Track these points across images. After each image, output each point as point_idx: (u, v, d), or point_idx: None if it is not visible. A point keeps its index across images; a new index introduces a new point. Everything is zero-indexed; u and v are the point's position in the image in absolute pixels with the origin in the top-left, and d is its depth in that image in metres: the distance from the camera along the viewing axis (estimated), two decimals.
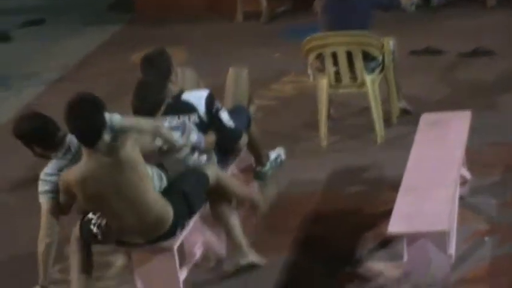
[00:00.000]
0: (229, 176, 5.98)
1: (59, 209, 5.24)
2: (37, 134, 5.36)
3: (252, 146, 6.73)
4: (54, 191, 5.25)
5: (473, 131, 6.67)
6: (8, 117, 8.94)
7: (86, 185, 4.90)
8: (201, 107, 6.01)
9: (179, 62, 8.38)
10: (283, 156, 7.20)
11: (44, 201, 5.31)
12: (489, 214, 6.20)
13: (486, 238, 5.86)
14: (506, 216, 6.19)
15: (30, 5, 12.94)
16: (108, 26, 11.91)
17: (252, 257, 5.71)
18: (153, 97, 5.77)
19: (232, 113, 6.28)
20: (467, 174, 6.55)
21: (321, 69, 7.62)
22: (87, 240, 5.24)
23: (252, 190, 6.41)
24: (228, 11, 11.46)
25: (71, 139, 5.36)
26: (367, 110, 7.54)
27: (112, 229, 5.14)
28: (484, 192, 6.53)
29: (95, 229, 5.17)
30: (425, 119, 6.85)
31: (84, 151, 4.91)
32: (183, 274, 5.70)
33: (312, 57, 7.68)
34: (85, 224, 5.24)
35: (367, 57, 7.46)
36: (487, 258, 5.64)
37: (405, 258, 5.33)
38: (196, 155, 5.99)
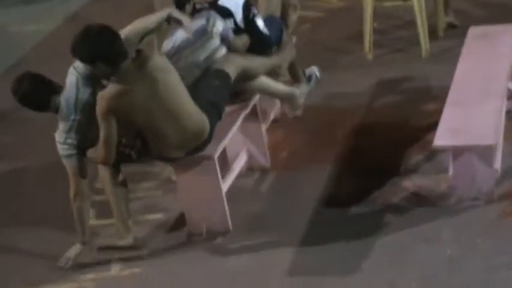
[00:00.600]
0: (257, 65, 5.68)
1: (83, 167, 5.10)
2: (30, 99, 5.18)
3: (290, 65, 6.46)
4: (75, 152, 5.11)
5: None
6: (58, 24, 9.27)
7: (124, 105, 4.75)
8: (238, 13, 5.77)
9: None
10: (317, 74, 6.85)
11: (68, 164, 5.16)
12: None
13: None
14: None
15: None
16: None
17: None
18: None
19: (265, 22, 6.05)
20: None
21: None
22: (118, 160, 5.09)
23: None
24: None
25: (67, 99, 5.14)
26: (412, 23, 7.32)
27: (150, 147, 5.04)
28: None
29: (126, 150, 5.08)
30: (473, 32, 6.63)
31: (114, 77, 4.76)
32: (226, 184, 5.56)
33: None
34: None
35: None
36: None
37: (450, 172, 5.24)
38: (224, 49, 5.73)
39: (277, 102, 6.71)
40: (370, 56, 7.39)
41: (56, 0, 9.99)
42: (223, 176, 5.57)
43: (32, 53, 8.52)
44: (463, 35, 6.56)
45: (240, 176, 5.87)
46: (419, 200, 5.35)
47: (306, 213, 5.39)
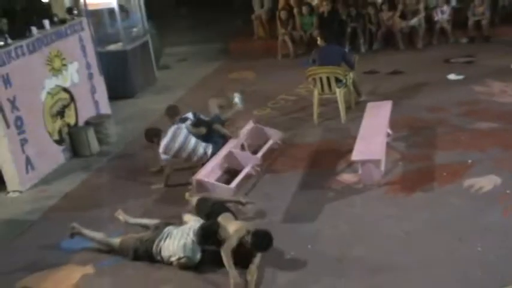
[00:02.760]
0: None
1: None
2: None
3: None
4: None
5: (394, 109, 7.96)
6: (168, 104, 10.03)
7: None
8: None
9: (251, 79, 10.18)
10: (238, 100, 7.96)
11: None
12: (400, 150, 7.35)
13: (400, 162, 7.04)
14: (409, 151, 7.28)
15: (179, 51, 14.03)
16: (216, 61, 13.06)
17: None
18: None
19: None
20: (390, 131, 7.68)
21: (315, 84, 8.63)
22: None
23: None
24: (274, 53, 12.65)
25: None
26: (337, 105, 8.55)
27: None
28: (398, 140, 7.65)
29: None
30: (370, 105, 8.13)
31: None
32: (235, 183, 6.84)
33: (310, 78, 8.72)
34: None
35: (338, 79, 8.52)
36: (400, 172, 6.81)
37: (360, 172, 6.65)
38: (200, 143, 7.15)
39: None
40: (317, 122, 8.57)
41: (170, 91, 11.08)
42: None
43: (157, 119, 9.09)
44: (364, 107, 8.05)
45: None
46: (346, 185, 6.64)
47: (290, 192, 6.64)
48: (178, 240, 5.52)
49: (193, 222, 5.70)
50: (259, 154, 7.39)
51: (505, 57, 10.68)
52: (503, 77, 9.62)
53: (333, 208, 6.26)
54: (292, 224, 6.09)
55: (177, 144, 7.03)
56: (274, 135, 7.89)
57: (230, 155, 7.28)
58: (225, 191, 6.65)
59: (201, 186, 6.70)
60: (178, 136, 7.07)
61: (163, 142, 7.04)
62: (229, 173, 7.20)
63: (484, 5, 12.02)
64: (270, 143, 7.73)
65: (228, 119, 7.82)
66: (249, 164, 7.19)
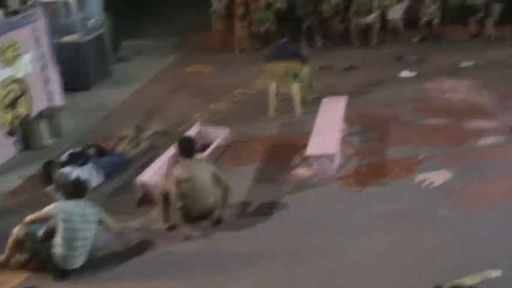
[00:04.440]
0: None
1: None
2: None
3: None
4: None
5: (349, 105, 8.03)
6: (126, 97, 10.17)
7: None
8: None
9: (208, 73, 10.24)
10: None
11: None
12: (354, 145, 7.42)
13: (354, 157, 7.10)
14: (363, 146, 7.37)
15: (137, 44, 13.83)
16: (174, 55, 12.94)
17: None
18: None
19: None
20: (344, 126, 7.71)
21: (272, 78, 8.70)
22: None
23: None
24: (232, 47, 12.64)
25: None
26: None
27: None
28: (353, 135, 7.74)
29: None
30: (325, 100, 8.20)
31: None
32: None
33: (267, 72, 8.83)
34: None
35: (294, 74, 8.57)
36: (354, 166, 6.88)
37: (314, 166, 6.72)
38: None
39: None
40: (273, 115, 8.63)
41: (126, 84, 10.95)
42: None
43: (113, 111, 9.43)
44: (319, 102, 8.13)
45: None
46: (301, 179, 6.65)
47: (245, 186, 6.60)
48: None
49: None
50: (207, 152, 7.27)
51: (454, 55, 10.85)
52: (454, 74, 9.77)
53: (287, 202, 6.26)
54: (247, 217, 6.05)
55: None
56: (222, 133, 7.81)
57: (176, 156, 7.00)
58: None
59: (146, 188, 6.45)
60: None
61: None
62: None
63: (435, 5, 12.15)
64: (217, 141, 7.61)
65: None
66: None
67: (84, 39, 10.85)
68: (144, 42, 14.21)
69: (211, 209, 5.79)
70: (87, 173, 6.72)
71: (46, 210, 5.28)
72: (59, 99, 9.29)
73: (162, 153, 7.23)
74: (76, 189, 5.35)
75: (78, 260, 5.21)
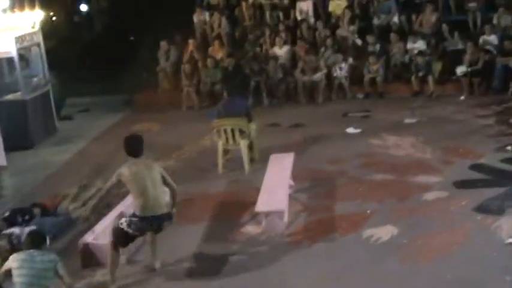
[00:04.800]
0: None
1: None
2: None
3: None
4: None
5: (296, 161, 8.13)
6: (70, 156, 10.15)
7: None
8: None
9: (156, 130, 10.28)
10: None
11: None
12: (302, 201, 7.49)
13: (302, 213, 7.14)
14: (311, 202, 7.44)
15: (83, 102, 13.87)
16: (120, 113, 13.13)
17: None
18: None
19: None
20: (292, 183, 7.79)
21: (219, 136, 8.71)
22: None
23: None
24: (179, 105, 12.77)
25: None
26: (241, 157, 8.66)
27: None
28: (300, 191, 7.79)
29: None
30: (272, 157, 8.28)
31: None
32: None
33: (215, 130, 8.80)
34: None
35: (241, 131, 8.64)
36: (302, 222, 6.92)
37: (263, 223, 6.71)
38: None
39: None
40: (221, 171, 8.64)
41: (71, 142, 10.99)
42: None
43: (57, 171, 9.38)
44: (267, 158, 8.20)
45: None
46: (250, 237, 6.64)
47: (193, 245, 6.55)
48: None
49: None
50: None
51: (398, 112, 11.19)
52: (397, 131, 10.04)
53: (237, 261, 6.23)
54: (197, 277, 6.00)
55: None
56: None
57: (121, 216, 6.86)
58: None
59: (88, 250, 6.32)
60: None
61: None
62: None
63: (377, 64, 12.61)
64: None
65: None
66: None
67: (28, 97, 10.78)
68: (90, 100, 14.16)
69: (165, 206, 5.77)
70: None
71: (6, 263, 5.25)
72: (0, 158, 9.14)
73: (107, 212, 7.09)
74: (32, 241, 5.30)
75: None
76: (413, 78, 12.37)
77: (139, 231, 5.83)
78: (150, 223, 5.79)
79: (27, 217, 6.86)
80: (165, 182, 5.88)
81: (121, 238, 5.78)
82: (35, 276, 5.09)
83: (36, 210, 7.10)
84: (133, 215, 5.77)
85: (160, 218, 5.79)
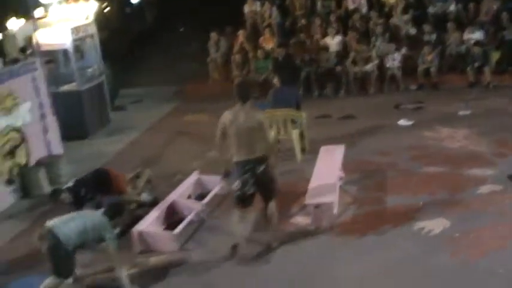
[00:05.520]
0: None
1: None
2: None
3: None
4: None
5: (347, 154, 8.15)
6: (123, 147, 10.39)
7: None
8: None
9: (206, 121, 10.39)
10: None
11: None
12: (352, 193, 7.53)
13: (351, 206, 7.18)
14: (361, 194, 7.48)
15: (135, 92, 14.08)
16: (172, 104, 13.24)
17: None
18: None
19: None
20: (343, 174, 7.83)
21: (271, 126, 8.35)
22: None
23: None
24: (229, 96, 12.20)
25: None
26: (290, 147, 8.77)
27: None
28: (350, 183, 7.82)
29: None
30: (323, 148, 8.30)
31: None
32: None
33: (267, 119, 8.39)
34: None
35: (293, 121, 8.75)
36: (352, 215, 7.00)
37: (312, 214, 6.77)
38: None
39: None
40: None
41: (124, 133, 11.17)
42: None
43: (110, 160, 9.55)
44: (318, 149, 8.21)
45: None
46: (299, 228, 6.77)
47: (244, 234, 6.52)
48: None
49: None
50: (205, 201, 7.41)
51: (452, 103, 11.06)
52: (451, 122, 9.97)
53: (285, 251, 6.33)
54: (246, 266, 6.14)
55: None
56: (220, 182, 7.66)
57: (173, 205, 7.25)
58: (168, 239, 6.60)
59: (143, 238, 6.61)
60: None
61: None
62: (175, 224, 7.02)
63: (432, 54, 12.46)
64: (216, 189, 7.72)
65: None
66: (194, 211, 7.18)
67: (83, 87, 11.11)
68: (142, 90, 14.44)
69: (258, 152, 6.06)
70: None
71: None
72: (57, 148, 9.48)
73: (159, 202, 7.35)
74: (109, 210, 6.09)
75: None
76: (469, 68, 12.20)
77: (241, 179, 6.16)
78: (244, 167, 6.11)
79: (89, 196, 7.13)
80: (263, 133, 6.12)
81: (239, 199, 6.24)
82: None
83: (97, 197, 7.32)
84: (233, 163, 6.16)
85: (253, 161, 6.08)
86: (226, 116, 6.14)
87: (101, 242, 5.72)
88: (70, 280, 5.62)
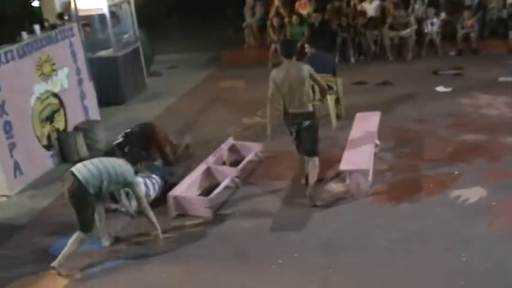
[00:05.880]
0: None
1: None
2: None
3: None
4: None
5: (382, 120, 8.10)
6: (160, 112, 10.44)
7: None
8: None
9: (242, 88, 10.41)
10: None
11: None
12: (388, 161, 7.48)
13: (387, 173, 7.16)
14: (396, 162, 7.43)
15: (171, 59, 14.19)
16: (207, 70, 13.28)
17: None
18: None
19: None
20: (378, 142, 7.81)
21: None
22: None
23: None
24: (265, 62, 12.56)
25: None
26: (327, 114, 8.69)
27: None
28: (385, 150, 7.78)
29: None
30: (358, 115, 8.29)
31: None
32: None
33: None
34: None
35: (329, 86, 8.55)
36: (387, 182, 6.93)
37: (347, 181, 6.77)
38: None
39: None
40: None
41: (160, 98, 11.29)
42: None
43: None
44: (354, 117, 8.20)
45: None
46: (334, 194, 6.72)
47: (277, 201, 6.70)
48: None
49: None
50: (239, 167, 7.44)
51: (492, 70, 10.84)
52: (490, 90, 9.77)
53: (320, 217, 6.35)
54: (279, 232, 6.17)
55: None
56: (255, 148, 7.92)
57: (208, 171, 7.30)
58: (202, 204, 6.66)
59: (178, 202, 6.68)
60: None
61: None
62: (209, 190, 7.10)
63: (473, 18, 12.20)
64: (250, 155, 7.77)
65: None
66: (228, 177, 7.22)
67: (119, 53, 11.18)
68: (178, 57, 14.47)
69: (306, 106, 6.45)
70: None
71: None
72: (95, 113, 9.62)
73: (195, 167, 7.41)
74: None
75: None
76: (510, 34, 11.88)
77: (289, 131, 6.67)
78: (291, 119, 6.54)
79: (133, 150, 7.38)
80: (314, 80, 6.55)
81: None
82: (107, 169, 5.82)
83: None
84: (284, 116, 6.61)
85: (300, 115, 6.48)
86: (278, 74, 6.44)
87: (124, 187, 6.02)
88: (93, 233, 5.82)
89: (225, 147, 8.03)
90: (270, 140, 6.65)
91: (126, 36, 11.67)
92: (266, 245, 5.90)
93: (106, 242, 6.12)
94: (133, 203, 6.42)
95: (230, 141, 8.21)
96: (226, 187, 7.13)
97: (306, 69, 6.42)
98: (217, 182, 7.20)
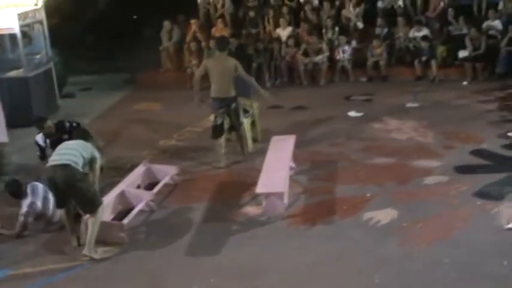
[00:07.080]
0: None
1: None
2: None
3: None
4: None
5: (297, 144, 8.13)
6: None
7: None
8: None
9: (157, 110, 10.22)
10: None
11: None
12: (303, 184, 7.50)
13: (302, 195, 7.16)
14: (311, 184, 7.46)
15: (85, 80, 13.84)
16: (122, 92, 13.13)
17: None
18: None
19: None
20: (293, 165, 7.84)
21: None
22: None
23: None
24: (181, 85, 12.46)
25: None
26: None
27: None
28: (300, 173, 7.81)
29: None
30: (274, 138, 8.31)
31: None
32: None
33: None
34: None
35: (245, 110, 8.68)
36: (302, 205, 6.95)
37: (263, 204, 6.74)
38: None
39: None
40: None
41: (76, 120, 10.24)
42: None
43: None
44: (269, 140, 8.20)
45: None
46: (250, 218, 6.65)
47: (193, 225, 6.59)
48: None
49: None
50: (154, 190, 7.27)
51: (400, 96, 11.19)
52: (399, 114, 10.06)
53: (236, 240, 6.26)
54: (194, 257, 6.03)
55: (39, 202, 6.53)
56: (171, 171, 7.79)
57: (122, 195, 7.08)
58: (116, 229, 6.40)
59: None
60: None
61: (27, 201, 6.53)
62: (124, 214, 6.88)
63: (382, 47, 12.58)
64: (166, 178, 7.63)
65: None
66: (143, 201, 7.02)
67: (31, 74, 10.76)
68: (92, 78, 14.12)
69: (231, 92, 7.86)
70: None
71: None
72: (2, 135, 9.10)
73: (109, 190, 7.16)
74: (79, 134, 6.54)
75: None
76: (416, 62, 12.36)
77: (216, 113, 7.89)
78: (220, 103, 7.84)
79: (74, 124, 7.52)
80: (239, 72, 7.80)
81: (215, 131, 7.96)
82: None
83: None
84: (211, 98, 7.90)
85: (229, 99, 7.88)
86: (209, 62, 7.90)
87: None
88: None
89: (140, 170, 7.79)
90: (197, 107, 7.98)
91: (38, 56, 11.27)
92: (181, 270, 5.72)
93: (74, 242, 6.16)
94: (58, 212, 6.40)
95: (145, 164, 7.96)
96: (141, 211, 6.92)
97: (234, 63, 7.72)
98: (132, 205, 6.96)
